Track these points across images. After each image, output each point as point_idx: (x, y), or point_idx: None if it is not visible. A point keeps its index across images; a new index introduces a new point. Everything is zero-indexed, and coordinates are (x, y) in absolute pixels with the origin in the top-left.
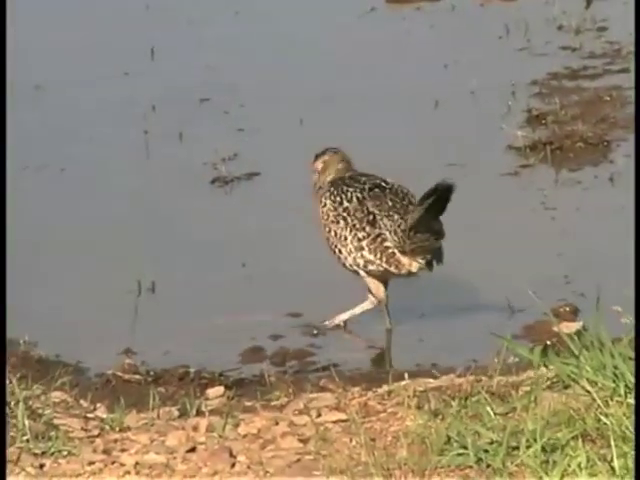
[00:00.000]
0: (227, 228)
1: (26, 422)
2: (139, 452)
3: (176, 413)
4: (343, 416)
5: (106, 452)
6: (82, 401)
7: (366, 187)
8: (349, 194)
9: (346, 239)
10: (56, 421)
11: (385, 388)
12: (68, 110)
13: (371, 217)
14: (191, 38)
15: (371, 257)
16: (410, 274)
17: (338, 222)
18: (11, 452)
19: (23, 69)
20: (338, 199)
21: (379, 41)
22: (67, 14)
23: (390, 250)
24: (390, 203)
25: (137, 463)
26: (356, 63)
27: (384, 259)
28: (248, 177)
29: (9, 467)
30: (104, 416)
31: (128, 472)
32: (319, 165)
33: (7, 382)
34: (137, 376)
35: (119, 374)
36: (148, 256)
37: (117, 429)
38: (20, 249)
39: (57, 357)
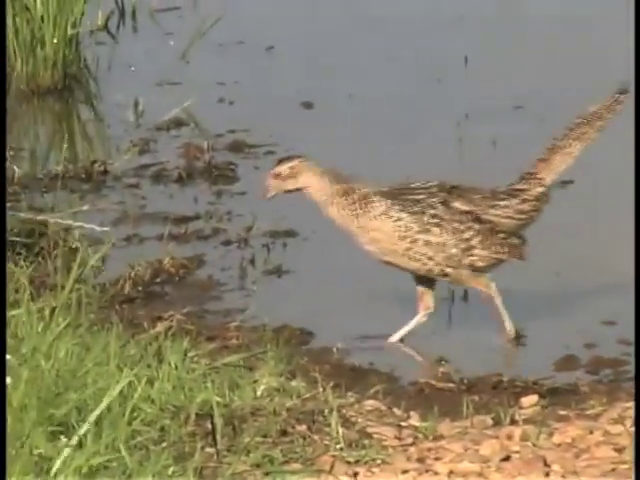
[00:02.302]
0: (540, 235)
1: (340, 430)
2: (453, 461)
3: (490, 422)
4: None
5: (420, 461)
6: (395, 409)
7: (434, 190)
8: (427, 201)
9: (445, 245)
10: (369, 429)
11: None
12: (376, 118)
13: (472, 215)
14: (501, 47)
15: (486, 253)
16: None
17: (429, 231)
18: (324, 460)
19: (333, 80)
20: (417, 209)
21: None
22: (379, 22)
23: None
24: (478, 195)
25: (451, 472)
26: None
27: (505, 250)
28: (562, 185)
29: (322, 476)
30: (417, 424)
31: None
32: (285, 170)
33: (320, 390)
34: (450, 384)
35: (432, 382)
36: None
37: (431, 438)
38: None
39: (370, 365)
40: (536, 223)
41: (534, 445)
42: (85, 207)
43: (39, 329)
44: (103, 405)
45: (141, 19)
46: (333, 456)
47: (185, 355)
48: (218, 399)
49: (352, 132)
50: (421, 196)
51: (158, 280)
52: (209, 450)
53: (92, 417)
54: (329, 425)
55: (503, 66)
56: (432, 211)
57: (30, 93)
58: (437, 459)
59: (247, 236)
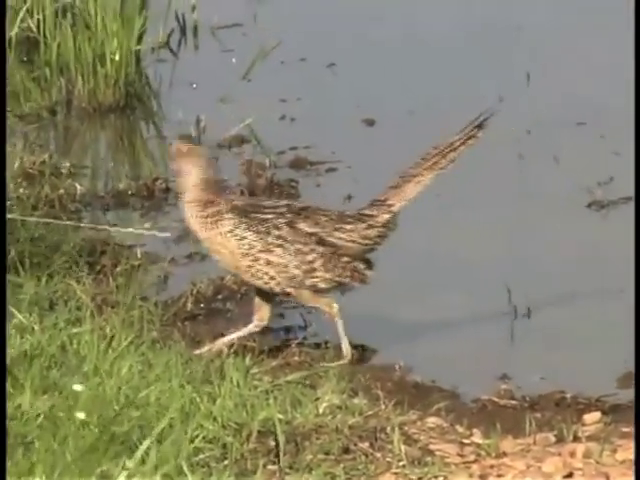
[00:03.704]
0: (604, 252)
1: (402, 448)
2: (515, 478)
3: (552, 439)
4: None
5: (482, 478)
6: (458, 426)
7: (283, 210)
8: (274, 221)
9: (286, 266)
10: (432, 447)
11: None
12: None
13: (316, 237)
14: (563, 63)
15: (328, 275)
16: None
17: (272, 251)
18: (386, 478)
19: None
20: (263, 228)
21: None
22: (439, 38)
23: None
24: (325, 218)
25: None
26: None
27: (347, 273)
28: (624, 201)
29: None
30: (480, 442)
31: None
32: (182, 148)
33: (382, 407)
34: (513, 401)
35: (495, 399)
36: (522, 280)
37: (493, 455)
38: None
39: (433, 382)
40: None
41: (597, 462)
42: (147, 225)
43: (101, 347)
44: (164, 422)
45: (202, 36)
46: (395, 473)
47: (247, 372)
48: (280, 416)
49: (413, 149)
50: (269, 216)
51: (220, 297)
52: (271, 467)
53: (154, 434)
54: (391, 442)
55: (565, 82)
56: (277, 232)
57: (92, 111)
58: (499, 476)
59: None
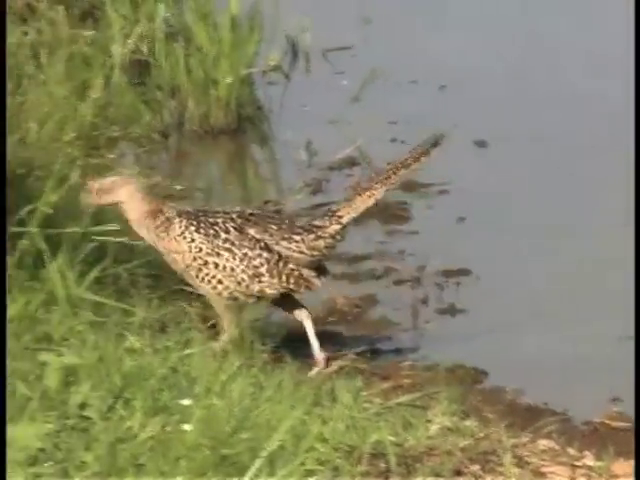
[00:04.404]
0: None
1: (513, 470)
2: None
3: None
4: None
5: None
6: (569, 449)
7: (234, 216)
8: (222, 225)
9: (233, 270)
10: (543, 469)
11: None
12: (552, 160)
13: (262, 243)
14: None
15: (274, 281)
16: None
17: (219, 254)
18: None
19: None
20: (211, 232)
21: None
22: (557, 57)
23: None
24: (275, 226)
25: None
26: None
27: (292, 280)
28: None
29: None
30: (592, 464)
31: None
32: (105, 184)
33: (493, 429)
34: (625, 424)
35: (607, 422)
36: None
37: (605, 477)
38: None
39: (544, 405)
40: None
41: None
42: None
43: (212, 369)
44: (274, 444)
45: (313, 58)
46: None
47: (358, 394)
48: (391, 438)
49: (527, 174)
50: (219, 219)
51: (331, 319)
52: None
53: (264, 455)
54: (502, 465)
55: None
56: (225, 235)
57: (203, 133)
58: None
59: (420, 275)
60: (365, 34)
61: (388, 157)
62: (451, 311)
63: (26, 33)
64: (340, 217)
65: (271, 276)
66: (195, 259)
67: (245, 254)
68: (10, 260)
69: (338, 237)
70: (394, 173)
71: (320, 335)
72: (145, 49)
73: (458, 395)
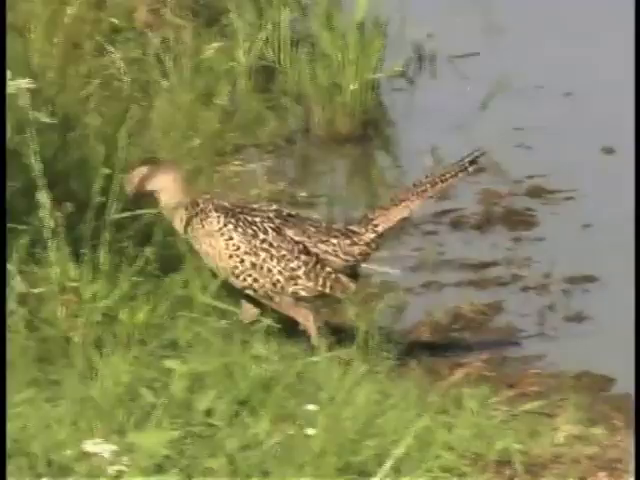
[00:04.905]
0: None
1: None
2: None
3: None
4: None
5: None
6: None
7: (271, 215)
8: (260, 226)
9: (270, 270)
10: None
11: None
12: None
13: (300, 246)
14: None
15: (310, 284)
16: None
17: (257, 254)
18: None
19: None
20: (250, 231)
21: None
22: None
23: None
24: (312, 229)
25: None
26: None
27: (329, 284)
28: None
29: None
30: None
31: None
32: (145, 170)
33: (621, 437)
34: None
35: None
36: None
37: None
38: None
39: None
40: None
41: None
42: (383, 254)
43: (337, 375)
44: (399, 451)
45: (439, 65)
46: None
47: (484, 401)
48: (517, 446)
49: None
50: (257, 219)
51: (457, 326)
52: None
53: (389, 462)
54: (629, 472)
55: None
56: (263, 236)
57: (328, 139)
58: None
59: (546, 282)
60: (491, 40)
61: (514, 163)
62: (577, 318)
63: (152, 42)
64: (376, 226)
65: (308, 279)
66: (231, 257)
67: (283, 256)
68: (133, 268)
69: (373, 245)
70: (432, 186)
71: (445, 342)
72: (270, 55)
73: (585, 402)
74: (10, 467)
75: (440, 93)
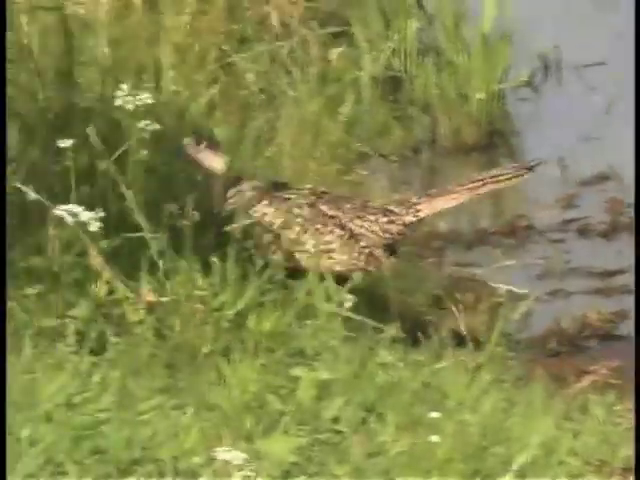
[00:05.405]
0: None
1: None
2: None
3: None
4: None
5: None
6: None
7: (305, 192)
8: (294, 202)
9: (304, 244)
10: None
11: None
12: None
13: (336, 220)
14: None
15: (344, 257)
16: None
17: (290, 228)
18: None
19: None
20: (284, 206)
21: None
22: None
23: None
24: (348, 205)
25: None
26: None
27: (362, 258)
28: None
29: None
30: None
31: None
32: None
33: None
34: None
35: None
36: None
37: None
38: None
39: None
40: None
41: None
42: (510, 262)
43: (464, 383)
44: (523, 457)
45: (566, 74)
46: None
47: (611, 409)
48: None
49: None
50: (291, 196)
51: (584, 335)
52: None
53: (515, 469)
54: None
55: None
56: (298, 210)
57: (454, 149)
58: None
59: None
60: (620, 49)
61: None
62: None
63: (280, 52)
64: (418, 210)
65: (342, 253)
66: (267, 232)
67: (317, 229)
68: (261, 275)
69: (411, 228)
70: (483, 185)
71: (572, 350)
72: (397, 65)
73: None
74: (139, 474)
75: (566, 103)
